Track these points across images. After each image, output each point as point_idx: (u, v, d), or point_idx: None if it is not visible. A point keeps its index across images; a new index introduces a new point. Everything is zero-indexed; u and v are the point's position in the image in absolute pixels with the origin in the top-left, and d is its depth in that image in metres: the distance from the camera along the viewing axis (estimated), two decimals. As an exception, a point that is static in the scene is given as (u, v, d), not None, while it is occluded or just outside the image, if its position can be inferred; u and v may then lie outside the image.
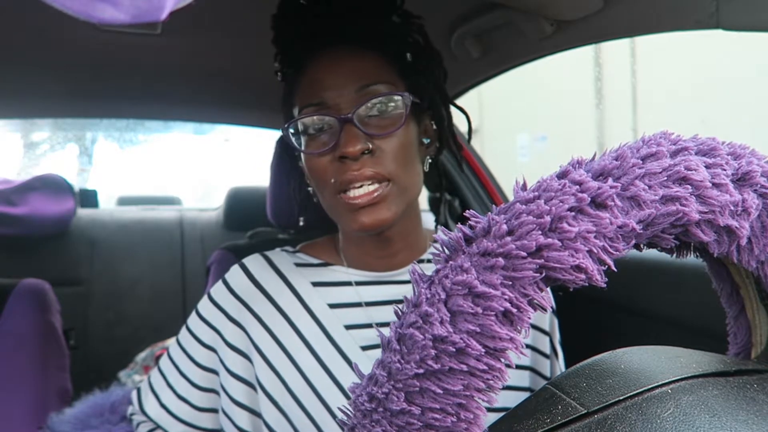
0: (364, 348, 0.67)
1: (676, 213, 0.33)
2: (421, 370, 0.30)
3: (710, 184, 0.34)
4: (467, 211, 0.35)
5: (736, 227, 0.35)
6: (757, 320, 0.43)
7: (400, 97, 0.65)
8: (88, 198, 2.13)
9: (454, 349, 0.30)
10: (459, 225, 0.33)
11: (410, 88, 0.69)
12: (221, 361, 0.71)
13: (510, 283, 0.30)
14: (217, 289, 0.73)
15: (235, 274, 0.73)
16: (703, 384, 0.34)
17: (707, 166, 0.35)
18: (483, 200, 1.57)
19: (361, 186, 0.64)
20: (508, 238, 0.30)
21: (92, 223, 1.99)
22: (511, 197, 0.39)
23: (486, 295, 0.30)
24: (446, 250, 0.33)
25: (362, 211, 0.64)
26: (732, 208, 0.35)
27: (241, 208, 2.13)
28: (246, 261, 0.74)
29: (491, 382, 0.30)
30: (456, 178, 1.58)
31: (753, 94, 4.39)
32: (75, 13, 0.21)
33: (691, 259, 0.41)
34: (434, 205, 0.84)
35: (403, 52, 0.70)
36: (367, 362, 0.66)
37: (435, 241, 0.76)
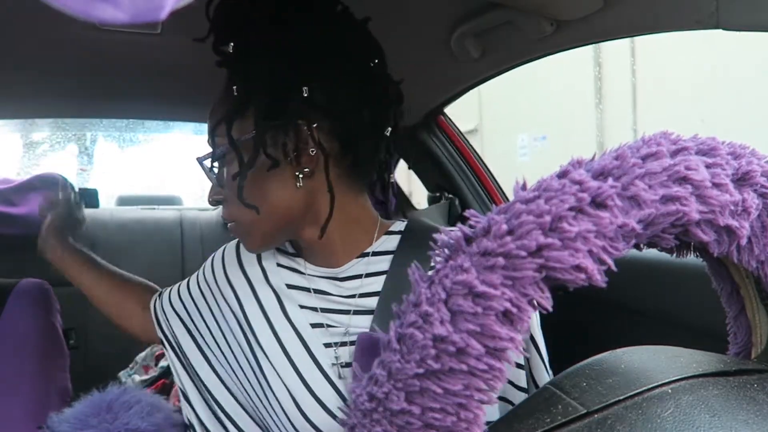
0: (313, 326, 0.71)
1: (676, 213, 0.33)
2: (421, 370, 0.30)
3: (710, 184, 0.34)
4: (467, 210, 0.35)
5: (736, 227, 0.35)
6: (757, 320, 0.44)
7: (222, 149, 0.67)
8: (89, 198, 2.12)
9: (454, 349, 0.30)
10: (459, 225, 0.33)
11: (261, 113, 0.64)
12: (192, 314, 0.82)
13: (510, 282, 0.30)
14: (216, 256, 0.83)
15: (229, 248, 0.82)
16: (704, 384, 0.34)
17: (707, 166, 0.35)
18: (483, 200, 1.57)
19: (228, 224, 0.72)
20: (508, 238, 0.30)
21: (92, 223, 1.99)
22: (511, 197, 0.39)
23: (486, 294, 0.30)
24: (446, 250, 0.33)
25: (242, 244, 0.74)
26: (732, 207, 0.35)
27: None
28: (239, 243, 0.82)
29: (491, 381, 0.30)
30: (456, 178, 1.58)
31: (753, 94, 4.39)
32: (75, 12, 0.21)
33: (691, 259, 0.41)
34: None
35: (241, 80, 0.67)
36: (314, 339, 0.70)
37: (390, 232, 0.76)
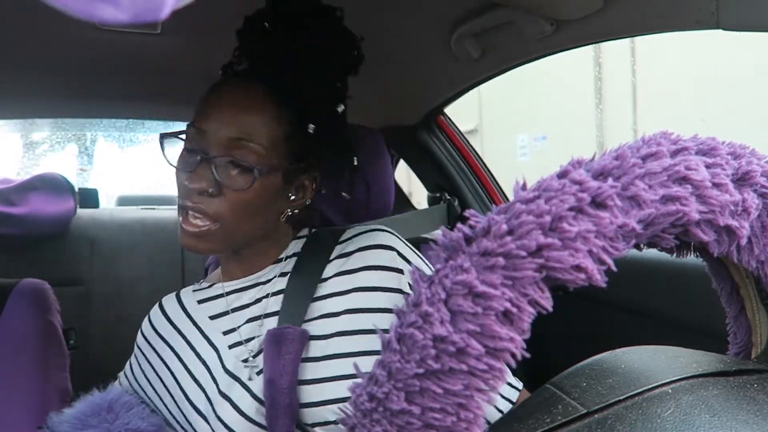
0: (230, 346, 0.74)
1: (676, 213, 0.33)
2: (421, 370, 0.30)
3: (710, 184, 0.34)
4: (467, 210, 0.35)
5: (736, 227, 0.35)
6: (757, 320, 0.44)
7: (263, 162, 0.69)
8: (88, 198, 2.12)
9: (454, 349, 0.30)
10: (459, 225, 0.33)
11: (298, 148, 0.74)
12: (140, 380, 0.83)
13: (510, 282, 0.30)
14: (145, 322, 0.85)
15: (154, 311, 0.84)
16: (704, 384, 0.34)
17: (707, 166, 0.35)
18: (483, 200, 1.57)
19: (193, 215, 0.69)
20: (508, 238, 0.30)
21: (92, 222, 1.99)
22: (511, 197, 0.39)
23: (486, 294, 0.30)
24: (446, 250, 0.33)
25: (186, 235, 0.70)
26: (732, 207, 0.35)
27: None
28: (162, 300, 0.85)
29: (491, 381, 0.30)
30: (456, 178, 1.58)
31: (753, 94, 4.39)
32: (75, 12, 0.21)
33: (691, 259, 0.41)
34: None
35: (305, 122, 0.74)
36: (232, 359, 0.73)
37: (297, 237, 0.81)
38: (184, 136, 0.73)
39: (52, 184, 1.84)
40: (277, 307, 0.74)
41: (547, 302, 0.31)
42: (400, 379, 0.31)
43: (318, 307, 0.73)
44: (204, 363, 0.75)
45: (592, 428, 0.31)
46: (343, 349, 0.70)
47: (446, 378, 0.30)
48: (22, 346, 1.06)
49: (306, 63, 0.74)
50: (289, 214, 0.76)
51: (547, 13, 0.89)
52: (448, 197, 1.58)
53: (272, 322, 0.73)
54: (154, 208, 2.41)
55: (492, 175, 1.60)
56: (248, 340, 0.74)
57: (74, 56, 1.17)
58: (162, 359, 0.79)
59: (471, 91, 1.36)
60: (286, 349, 0.68)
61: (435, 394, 0.30)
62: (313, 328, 0.71)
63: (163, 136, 0.74)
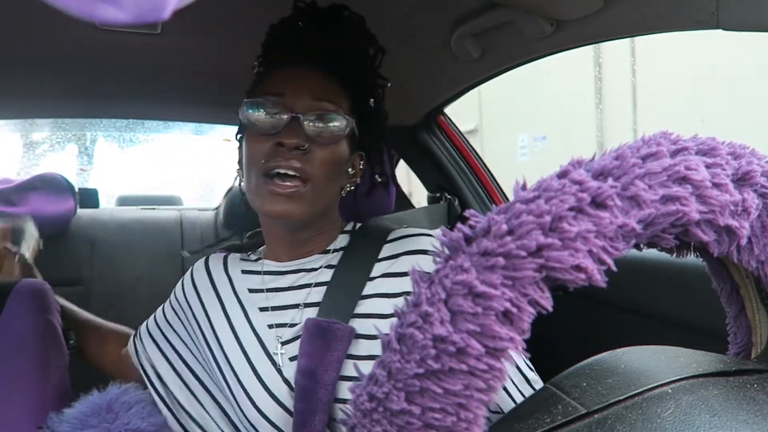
0: (269, 326, 0.76)
1: (676, 213, 0.33)
2: (421, 370, 0.30)
3: (710, 184, 0.34)
4: (467, 210, 0.35)
5: (736, 227, 0.35)
6: (757, 320, 0.44)
7: (345, 119, 0.76)
8: (88, 198, 2.12)
9: (454, 349, 0.30)
10: (459, 225, 0.33)
11: (355, 125, 0.80)
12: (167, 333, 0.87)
13: (510, 282, 0.30)
14: (186, 276, 0.89)
15: (197, 267, 0.88)
16: (704, 384, 0.34)
17: (707, 166, 0.35)
18: (483, 200, 1.57)
19: (285, 176, 0.72)
20: (508, 238, 0.30)
21: (92, 222, 1.99)
22: (511, 197, 0.39)
23: (486, 294, 0.30)
24: (446, 250, 0.33)
25: (277, 199, 0.73)
26: (732, 207, 0.35)
27: (241, 208, 2.12)
28: (209, 256, 0.89)
29: (491, 381, 0.30)
30: (456, 178, 1.58)
31: (753, 94, 4.39)
32: (75, 12, 0.21)
33: (691, 259, 0.41)
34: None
35: (366, 97, 0.81)
36: (270, 338, 0.75)
37: (344, 231, 0.84)
38: (262, 106, 0.75)
39: (52, 184, 1.84)
40: (318, 299, 0.75)
41: (547, 302, 0.31)
42: (400, 379, 0.31)
43: (364, 306, 0.73)
44: (234, 333, 0.76)
45: (592, 428, 0.31)
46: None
47: (446, 378, 0.30)
48: (22, 346, 1.06)
49: (350, 46, 0.80)
50: (348, 189, 0.82)
51: (547, 13, 0.89)
52: (448, 197, 1.58)
53: (311, 313, 0.74)
54: (154, 208, 2.41)
55: (492, 175, 1.60)
56: (280, 325, 0.75)
57: (74, 56, 1.17)
58: (194, 315, 0.82)
59: (471, 91, 1.36)
60: (335, 345, 0.68)
61: (435, 394, 0.30)
62: (359, 326, 0.71)
63: (248, 104, 0.77)
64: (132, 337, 0.94)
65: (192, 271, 0.88)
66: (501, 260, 0.30)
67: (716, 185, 0.34)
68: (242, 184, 0.82)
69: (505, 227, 0.31)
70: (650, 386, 0.33)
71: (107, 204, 3.12)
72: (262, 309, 0.78)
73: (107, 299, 1.89)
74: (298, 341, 0.71)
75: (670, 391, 0.33)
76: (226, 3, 0.96)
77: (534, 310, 0.31)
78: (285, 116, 0.73)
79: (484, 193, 1.57)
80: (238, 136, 0.85)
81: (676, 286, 1.03)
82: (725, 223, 0.34)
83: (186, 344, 0.85)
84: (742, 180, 0.36)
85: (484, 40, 1.06)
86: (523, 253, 0.30)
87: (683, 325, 1.01)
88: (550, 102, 6.38)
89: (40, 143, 3.75)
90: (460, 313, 0.30)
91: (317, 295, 0.76)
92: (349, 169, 0.81)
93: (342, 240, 0.82)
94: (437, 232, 0.35)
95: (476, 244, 0.31)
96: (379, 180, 0.88)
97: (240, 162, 0.83)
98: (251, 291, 0.80)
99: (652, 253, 1.00)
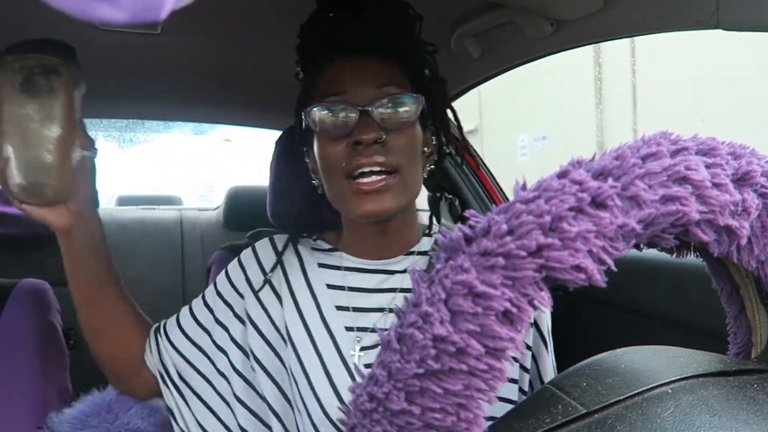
0: (347, 329, 0.73)
1: (676, 213, 0.33)
2: (421, 370, 0.30)
3: (710, 184, 0.34)
4: (467, 211, 0.35)
5: (736, 227, 0.35)
6: (757, 320, 0.44)
7: (413, 98, 0.71)
8: (88, 198, 2.12)
9: (454, 349, 0.30)
10: (459, 225, 0.33)
11: (421, 103, 0.75)
12: (228, 324, 0.78)
13: (510, 282, 0.30)
14: (245, 255, 0.81)
15: (262, 245, 0.82)
16: (703, 384, 0.34)
17: (707, 166, 0.35)
18: (483, 200, 1.57)
19: (370, 173, 0.68)
20: (508, 238, 0.30)
21: (92, 223, 1.98)
22: (511, 197, 0.39)
23: (486, 294, 0.30)
24: (446, 250, 0.33)
25: (368, 198, 0.68)
26: (732, 207, 0.35)
27: (241, 208, 2.13)
28: (274, 237, 0.82)
29: (491, 382, 0.30)
30: (456, 178, 1.58)
31: (753, 94, 4.39)
32: (75, 12, 0.21)
33: (691, 259, 0.41)
34: (434, 205, 0.87)
35: (421, 69, 0.77)
36: (347, 341, 0.72)
37: (426, 234, 0.80)
38: (326, 109, 0.71)
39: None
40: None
41: (547, 302, 0.31)
42: (400, 379, 0.31)
43: None
44: (308, 330, 0.73)
45: (592, 428, 0.31)
46: None
47: (446, 378, 0.30)
48: (22, 346, 1.06)
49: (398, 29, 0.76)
50: (429, 169, 0.78)
51: (547, 13, 0.89)
52: (449, 197, 1.58)
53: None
54: (154, 208, 2.41)
55: (492, 175, 1.60)
56: (361, 329, 0.72)
57: (74, 56, 1.17)
58: (257, 296, 0.77)
59: (471, 91, 1.36)
60: None
61: (435, 394, 0.30)
62: None
63: (303, 112, 0.73)
64: (152, 333, 0.82)
65: (255, 247, 0.81)
66: (501, 260, 0.30)
67: (716, 185, 0.34)
68: (320, 191, 0.78)
69: (505, 227, 0.31)
70: (650, 386, 0.33)
71: (107, 204, 3.12)
72: (339, 308, 0.74)
73: (107, 299, 1.89)
74: (378, 349, 0.68)
75: (670, 391, 0.33)
76: (226, 3, 0.96)
77: (534, 309, 0.31)
78: (354, 114, 0.69)
79: (484, 193, 1.57)
80: (304, 149, 0.80)
81: (676, 286, 1.03)
82: (725, 223, 0.34)
83: (231, 333, 0.77)
84: (742, 180, 0.36)
85: (484, 40, 1.06)
86: (523, 253, 0.30)
87: (683, 325, 1.01)
88: (550, 102, 6.38)
89: (40, 143, 3.74)
90: (460, 313, 0.30)
91: (402, 301, 0.72)
92: (425, 149, 0.77)
93: (425, 243, 0.79)
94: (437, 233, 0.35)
95: (476, 244, 0.31)
96: (447, 151, 0.82)
97: (314, 171, 0.78)
98: (330, 287, 0.76)
99: (652, 253, 1.00)
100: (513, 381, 0.72)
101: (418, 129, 0.74)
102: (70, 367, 1.13)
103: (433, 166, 0.79)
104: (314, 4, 0.78)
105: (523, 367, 0.74)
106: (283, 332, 0.74)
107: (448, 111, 0.83)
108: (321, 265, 0.78)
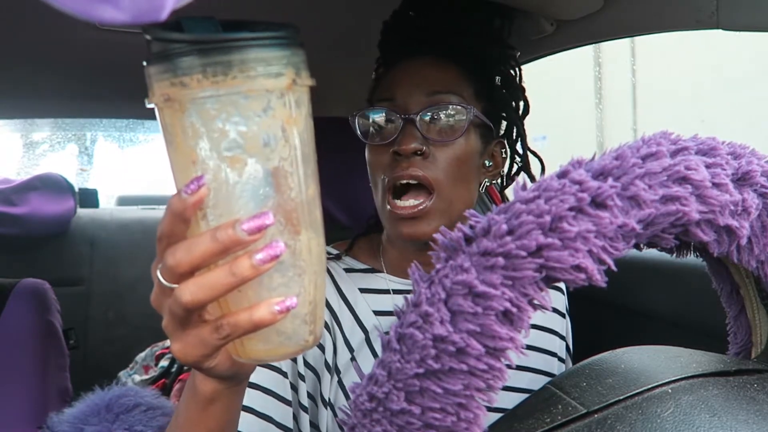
0: None
1: (676, 213, 0.33)
2: (421, 370, 0.30)
3: (710, 184, 0.34)
4: (467, 211, 0.35)
5: (736, 227, 0.35)
6: (757, 320, 0.44)
7: (464, 109, 0.67)
8: (88, 198, 2.12)
9: (454, 349, 0.30)
10: (459, 225, 0.33)
11: (484, 110, 0.71)
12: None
13: (510, 282, 0.30)
14: None
15: None
16: (703, 384, 0.34)
17: (707, 166, 0.35)
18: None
19: (407, 189, 0.66)
20: (508, 238, 0.30)
21: (92, 222, 1.99)
22: (511, 197, 0.39)
23: (486, 294, 0.30)
24: (446, 250, 0.33)
25: (404, 222, 0.66)
26: (732, 207, 0.35)
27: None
28: None
29: (491, 381, 0.30)
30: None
31: (753, 94, 4.39)
32: (75, 13, 0.21)
33: (691, 259, 0.41)
34: None
35: (491, 76, 0.74)
36: None
37: None
38: (373, 113, 0.69)
39: (52, 184, 1.84)
40: None
41: (547, 302, 0.31)
42: (400, 379, 0.31)
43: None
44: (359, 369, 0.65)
45: (592, 428, 0.31)
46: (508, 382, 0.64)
47: (446, 378, 0.30)
48: (22, 346, 1.06)
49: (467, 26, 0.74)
50: (487, 184, 0.75)
51: (548, 12, 0.88)
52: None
53: None
54: (154, 208, 2.41)
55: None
56: None
57: (74, 56, 1.17)
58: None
59: (471, 91, 1.36)
60: None
61: (435, 394, 0.30)
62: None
63: (360, 115, 0.70)
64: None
65: None
66: (501, 260, 0.30)
67: (716, 185, 0.34)
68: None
69: (505, 227, 0.31)
70: (650, 386, 0.33)
71: (107, 204, 3.11)
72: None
73: (107, 299, 1.89)
74: None
75: (670, 390, 0.33)
76: (225, 3, 0.96)
77: (534, 309, 0.31)
78: (398, 122, 0.66)
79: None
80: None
81: (676, 286, 1.02)
82: (725, 223, 0.34)
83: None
84: (742, 180, 0.36)
85: (484, 40, 1.06)
86: (523, 253, 0.30)
87: (683, 325, 1.01)
88: (550, 102, 6.38)
89: (40, 143, 3.75)
90: (460, 313, 0.30)
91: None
92: (487, 161, 0.73)
93: None
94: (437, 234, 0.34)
95: (476, 244, 0.31)
96: (519, 165, 0.78)
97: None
98: (378, 313, 0.70)
99: (652, 253, 1.00)
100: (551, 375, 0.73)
101: (472, 141, 0.69)
102: (70, 367, 1.13)
103: (496, 182, 0.75)
104: (322, 5, 0.77)
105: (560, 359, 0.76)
106: (332, 368, 0.68)
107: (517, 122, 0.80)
108: (363, 291, 0.72)
